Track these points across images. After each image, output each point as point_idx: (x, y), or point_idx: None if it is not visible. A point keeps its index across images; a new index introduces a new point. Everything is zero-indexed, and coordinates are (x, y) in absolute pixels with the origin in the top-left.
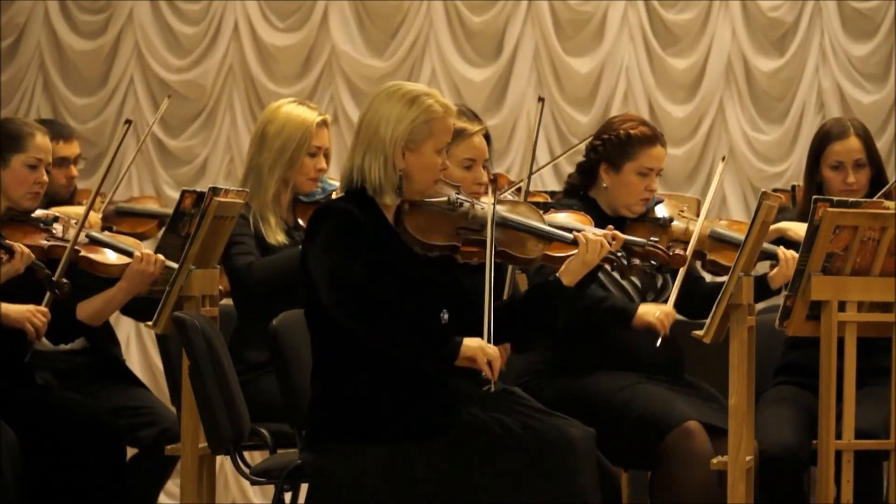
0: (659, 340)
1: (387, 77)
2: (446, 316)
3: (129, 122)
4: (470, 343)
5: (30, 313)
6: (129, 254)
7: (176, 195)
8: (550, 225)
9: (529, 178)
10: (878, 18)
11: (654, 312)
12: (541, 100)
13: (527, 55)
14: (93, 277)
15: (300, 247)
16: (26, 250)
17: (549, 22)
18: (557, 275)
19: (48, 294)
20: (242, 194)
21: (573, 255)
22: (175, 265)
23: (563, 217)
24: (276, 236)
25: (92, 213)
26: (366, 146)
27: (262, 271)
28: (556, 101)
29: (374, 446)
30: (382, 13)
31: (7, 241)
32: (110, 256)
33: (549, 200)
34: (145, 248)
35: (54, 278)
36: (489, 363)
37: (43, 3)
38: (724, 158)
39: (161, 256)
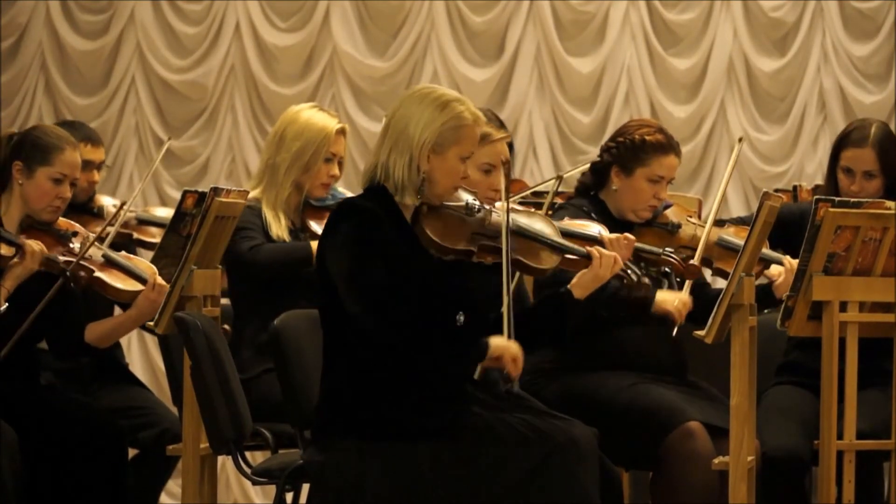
0: (675, 329)
1: (388, 77)
2: (462, 318)
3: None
4: (497, 343)
5: None
6: (142, 280)
7: (177, 195)
8: (566, 231)
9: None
10: (880, 19)
11: (672, 301)
12: None
13: (528, 55)
14: (102, 297)
15: (307, 242)
16: (38, 247)
17: (551, 22)
18: (568, 287)
19: (59, 280)
20: (244, 194)
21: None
22: None
23: (578, 223)
24: (281, 232)
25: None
26: (392, 143)
27: (267, 254)
28: (557, 100)
29: (379, 445)
30: (384, 13)
31: (19, 238)
32: (124, 280)
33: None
34: (159, 277)
35: (69, 273)
36: (513, 362)
37: (44, 4)
38: (740, 140)
39: (168, 285)
